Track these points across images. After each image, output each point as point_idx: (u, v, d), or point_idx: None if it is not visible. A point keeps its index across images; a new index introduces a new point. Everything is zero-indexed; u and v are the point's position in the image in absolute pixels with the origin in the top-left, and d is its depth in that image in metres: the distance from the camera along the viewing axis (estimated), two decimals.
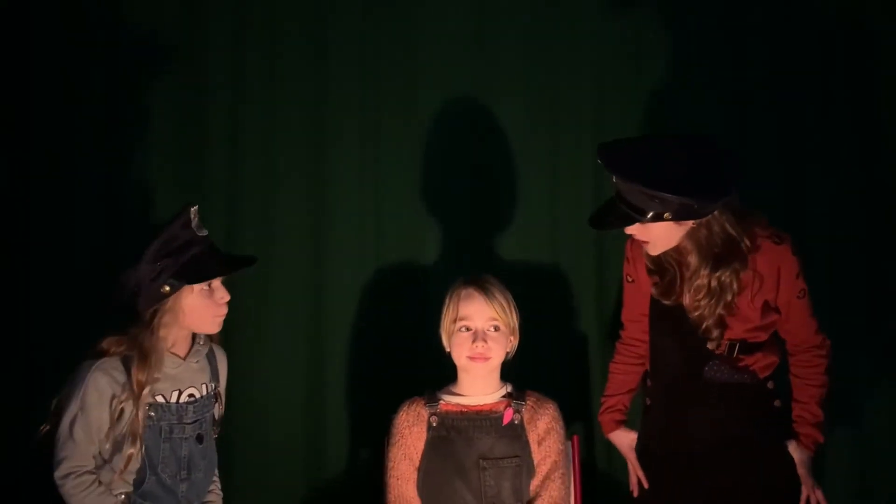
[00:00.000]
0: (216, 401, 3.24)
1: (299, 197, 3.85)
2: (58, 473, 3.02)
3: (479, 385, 3.33)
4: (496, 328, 3.28)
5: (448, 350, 3.33)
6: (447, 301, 3.32)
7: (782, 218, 3.52)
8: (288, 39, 3.86)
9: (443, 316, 3.32)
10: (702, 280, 3.21)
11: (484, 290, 3.29)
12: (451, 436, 3.28)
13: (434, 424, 3.29)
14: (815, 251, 3.67)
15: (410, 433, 3.30)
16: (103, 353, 3.07)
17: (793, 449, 3.32)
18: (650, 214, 3.09)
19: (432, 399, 3.34)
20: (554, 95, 3.87)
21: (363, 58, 3.87)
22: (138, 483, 3.07)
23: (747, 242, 3.19)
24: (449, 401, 3.33)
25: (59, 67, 3.80)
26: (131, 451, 3.03)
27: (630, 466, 3.47)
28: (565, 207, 3.85)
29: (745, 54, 3.84)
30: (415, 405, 3.34)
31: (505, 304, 3.30)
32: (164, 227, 3.08)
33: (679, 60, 3.83)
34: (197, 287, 3.07)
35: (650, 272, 3.32)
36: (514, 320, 3.31)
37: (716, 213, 3.14)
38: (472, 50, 3.87)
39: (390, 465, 3.31)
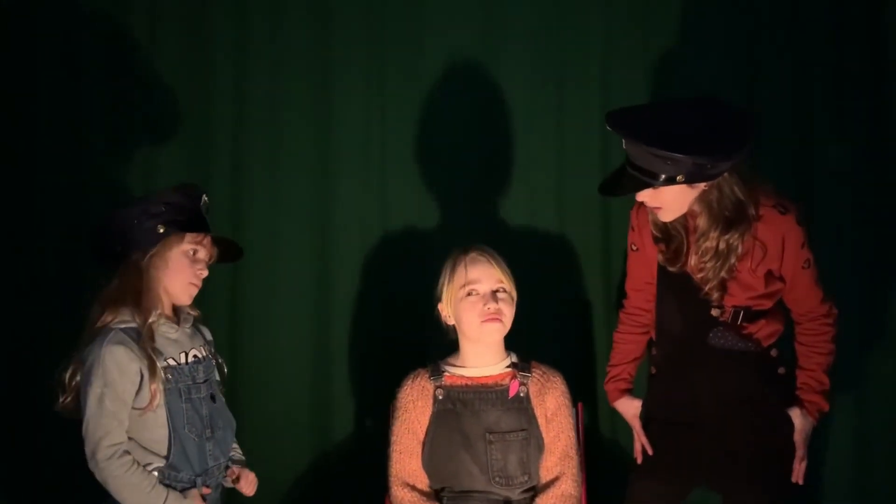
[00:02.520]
0: (216, 362, 3.27)
1: (304, 167, 3.82)
2: (101, 455, 2.99)
3: (483, 356, 3.31)
4: (502, 290, 3.26)
5: (450, 323, 3.31)
6: (447, 271, 3.29)
7: (790, 184, 3.52)
8: None
9: (443, 287, 3.29)
10: (710, 242, 3.19)
11: (488, 254, 3.28)
12: (457, 409, 3.27)
13: (440, 398, 3.29)
14: (822, 219, 3.66)
15: (415, 407, 3.30)
16: (101, 325, 3.07)
17: (795, 416, 3.32)
18: (663, 178, 3.06)
19: (436, 371, 3.33)
20: (561, 57, 3.82)
21: (369, 13, 3.82)
22: (167, 454, 3.07)
23: (752, 209, 3.18)
24: (453, 373, 3.32)
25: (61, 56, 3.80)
26: (154, 385, 3.03)
27: (635, 434, 3.48)
28: (571, 175, 3.81)
29: (756, 14, 3.78)
30: (419, 379, 3.33)
31: (507, 270, 3.29)
32: (173, 188, 3.15)
33: (688, 21, 3.78)
34: (185, 245, 3.09)
35: (657, 240, 3.30)
36: (514, 289, 3.30)
37: (725, 175, 3.11)
38: (479, 10, 3.82)
39: (393, 438, 3.31)
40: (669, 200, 3.15)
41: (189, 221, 3.10)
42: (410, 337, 3.70)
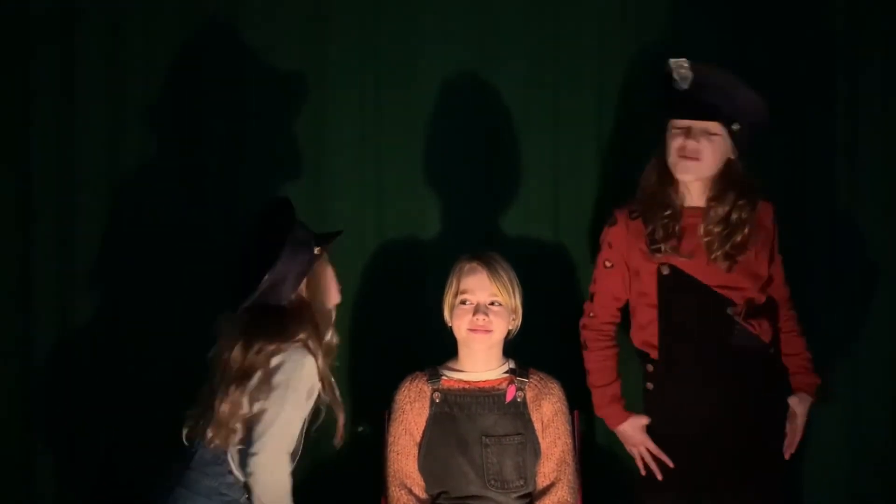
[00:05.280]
0: None
1: (299, 179, 3.79)
2: (280, 463, 3.01)
3: (480, 361, 3.33)
4: (497, 303, 3.29)
5: (449, 324, 3.34)
6: (451, 275, 3.33)
7: (780, 185, 3.60)
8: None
9: (446, 290, 3.34)
10: (722, 208, 3.29)
11: (488, 265, 3.30)
12: (453, 412, 3.29)
13: (437, 401, 3.31)
14: (817, 219, 3.73)
15: (412, 409, 3.32)
16: (289, 337, 3.07)
17: (795, 403, 3.41)
18: (732, 122, 3.27)
19: (434, 374, 3.35)
20: (556, 67, 3.82)
21: (364, 24, 3.81)
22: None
23: (757, 191, 3.34)
24: (451, 377, 3.34)
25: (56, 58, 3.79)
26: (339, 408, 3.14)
27: (648, 452, 3.39)
28: (567, 183, 3.80)
29: (748, 15, 3.80)
30: (416, 381, 3.35)
31: (508, 283, 3.30)
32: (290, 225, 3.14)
33: (682, 19, 3.80)
34: (324, 256, 3.18)
35: (645, 219, 3.36)
36: (515, 300, 3.31)
37: (737, 157, 3.29)
38: (474, 19, 3.82)
39: (391, 440, 3.33)
40: (711, 153, 3.29)
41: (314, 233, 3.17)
42: (407, 341, 3.70)
